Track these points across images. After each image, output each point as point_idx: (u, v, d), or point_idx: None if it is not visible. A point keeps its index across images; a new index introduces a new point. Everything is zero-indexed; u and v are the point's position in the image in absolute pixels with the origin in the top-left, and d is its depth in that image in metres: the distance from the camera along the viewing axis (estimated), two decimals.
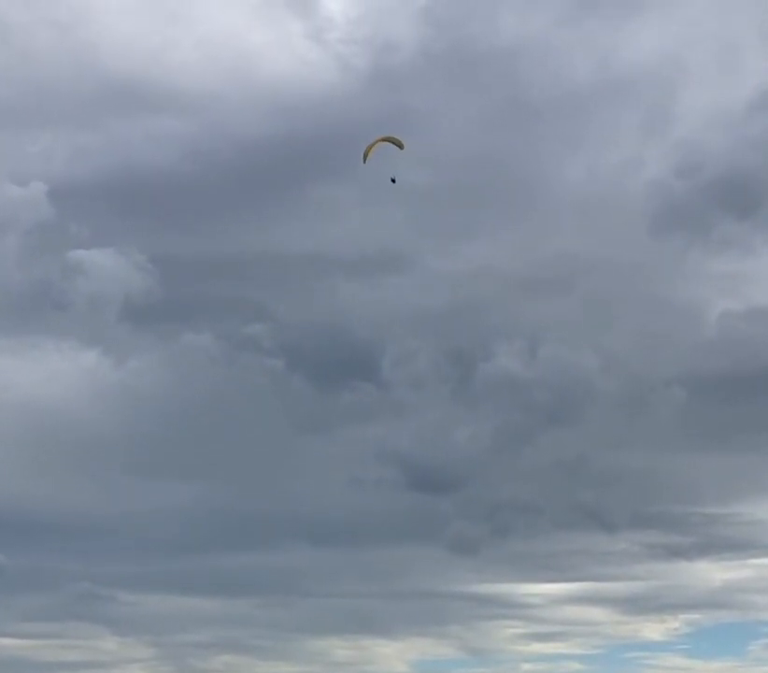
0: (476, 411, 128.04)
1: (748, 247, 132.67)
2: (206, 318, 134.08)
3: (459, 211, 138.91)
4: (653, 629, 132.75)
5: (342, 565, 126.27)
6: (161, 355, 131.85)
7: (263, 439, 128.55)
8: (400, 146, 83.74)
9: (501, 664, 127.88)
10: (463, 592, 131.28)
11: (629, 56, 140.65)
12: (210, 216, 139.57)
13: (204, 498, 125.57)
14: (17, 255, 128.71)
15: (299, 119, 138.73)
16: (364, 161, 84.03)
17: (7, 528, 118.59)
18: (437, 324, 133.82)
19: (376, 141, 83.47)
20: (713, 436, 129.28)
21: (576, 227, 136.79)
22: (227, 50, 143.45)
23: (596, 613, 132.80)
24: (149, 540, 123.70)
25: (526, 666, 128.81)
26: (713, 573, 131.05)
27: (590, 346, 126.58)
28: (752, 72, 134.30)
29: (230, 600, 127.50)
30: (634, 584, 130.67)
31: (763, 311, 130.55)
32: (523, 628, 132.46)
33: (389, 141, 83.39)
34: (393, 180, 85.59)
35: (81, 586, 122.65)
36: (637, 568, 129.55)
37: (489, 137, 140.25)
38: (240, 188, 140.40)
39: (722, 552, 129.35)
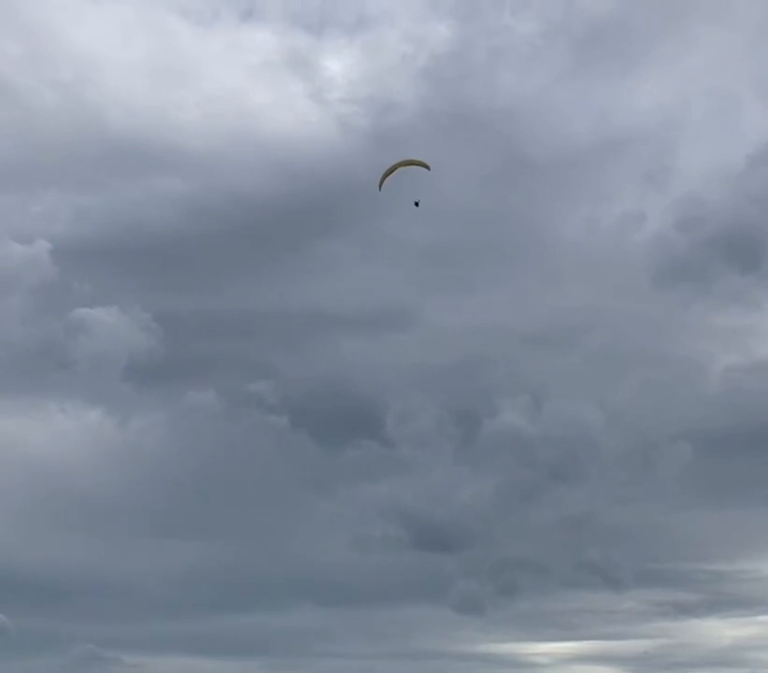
0: (481, 468, 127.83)
1: (751, 301, 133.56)
2: (209, 375, 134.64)
3: (460, 267, 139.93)
4: None
5: (348, 625, 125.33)
6: (164, 413, 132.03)
7: (268, 498, 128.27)
8: (426, 167, 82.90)
9: None
10: (470, 651, 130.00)
11: (627, 112, 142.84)
12: (213, 274, 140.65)
13: (208, 558, 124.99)
14: (21, 314, 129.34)
15: (301, 178, 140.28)
16: (380, 188, 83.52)
17: (11, 589, 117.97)
18: (441, 381, 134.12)
19: (393, 168, 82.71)
20: (719, 492, 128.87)
21: (578, 282, 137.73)
22: (229, 110, 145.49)
23: (605, 672, 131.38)
24: (154, 601, 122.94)
25: None
26: (721, 630, 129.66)
27: (594, 401, 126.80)
28: (751, 127, 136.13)
29: (235, 661, 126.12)
30: (643, 642, 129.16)
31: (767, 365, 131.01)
32: None
33: (411, 165, 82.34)
34: (417, 204, 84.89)
35: (85, 648, 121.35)
36: (645, 626, 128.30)
37: (489, 194, 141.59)
38: (242, 246, 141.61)
39: (730, 610, 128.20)
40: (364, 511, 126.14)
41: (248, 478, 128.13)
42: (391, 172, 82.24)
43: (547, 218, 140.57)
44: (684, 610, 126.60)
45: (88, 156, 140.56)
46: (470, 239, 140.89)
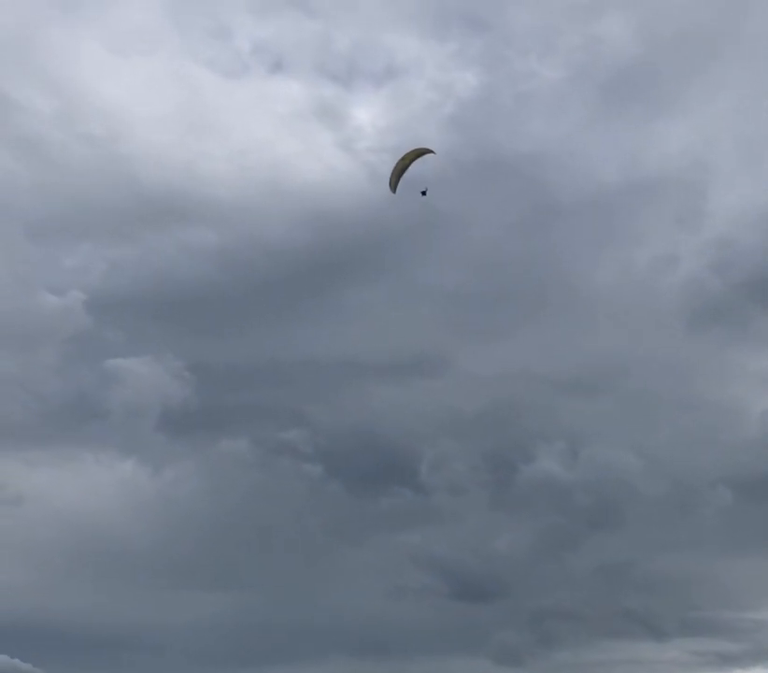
0: (517, 516, 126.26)
1: None
2: (242, 424, 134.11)
3: (491, 313, 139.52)
4: None
5: None
6: (198, 463, 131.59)
7: (301, 547, 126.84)
8: (431, 152, 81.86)
9: None
10: None
11: (655, 155, 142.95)
12: (244, 324, 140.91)
13: (241, 609, 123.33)
14: (55, 364, 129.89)
15: (329, 227, 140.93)
16: (394, 190, 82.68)
17: (44, 640, 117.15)
18: (474, 427, 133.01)
19: (402, 165, 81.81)
20: (761, 538, 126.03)
21: (611, 326, 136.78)
22: (259, 161, 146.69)
23: None
24: (188, 652, 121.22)
25: None
26: None
27: (630, 446, 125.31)
28: None
29: None
30: None
31: None
32: None
33: (417, 156, 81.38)
34: (424, 193, 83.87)
35: None
36: None
37: (519, 240, 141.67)
38: (273, 296, 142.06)
39: None
40: (399, 560, 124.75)
41: (282, 527, 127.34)
42: (402, 170, 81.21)
43: (578, 262, 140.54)
44: (728, 660, 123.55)
45: (120, 209, 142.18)
46: (500, 285, 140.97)
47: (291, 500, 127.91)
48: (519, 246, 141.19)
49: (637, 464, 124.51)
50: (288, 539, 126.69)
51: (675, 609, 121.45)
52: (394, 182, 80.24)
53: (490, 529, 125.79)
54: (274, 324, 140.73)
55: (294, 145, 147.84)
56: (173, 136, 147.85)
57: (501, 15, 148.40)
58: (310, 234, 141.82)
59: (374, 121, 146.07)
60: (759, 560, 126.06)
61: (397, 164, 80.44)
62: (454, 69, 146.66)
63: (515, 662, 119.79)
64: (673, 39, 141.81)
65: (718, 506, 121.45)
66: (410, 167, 79.94)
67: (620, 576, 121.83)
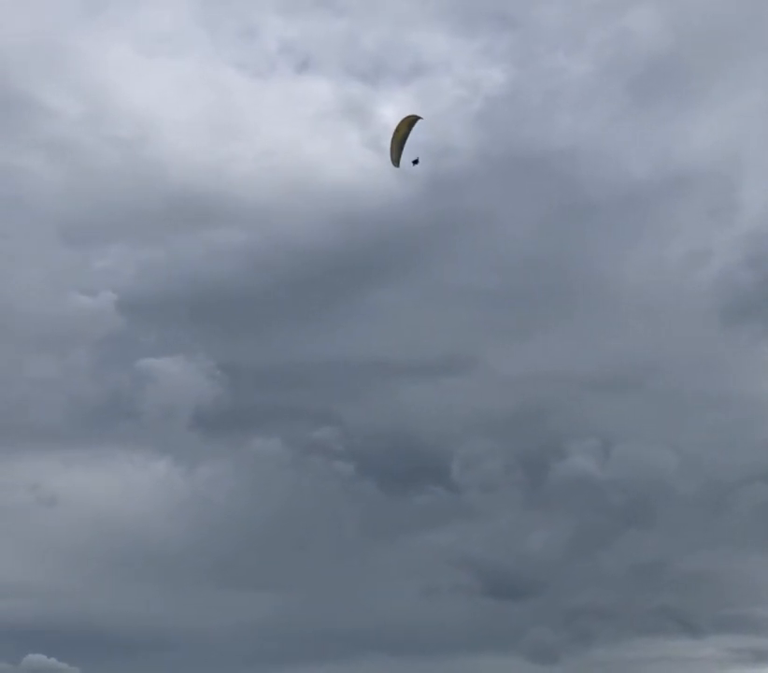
0: (550, 514, 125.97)
1: None
2: (274, 423, 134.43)
3: (521, 312, 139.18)
4: None
5: None
6: (231, 462, 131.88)
7: (335, 546, 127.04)
8: (418, 117, 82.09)
9: None
10: None
11: (687, 149, 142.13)
12: (275, 324, 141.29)
13: (275, 608, 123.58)
14: (88, 365, 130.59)
15: (358, 226, 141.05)
16: (397, 164, 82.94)
17: (83, 641, 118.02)
18: (506, 426, 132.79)
19: (394, 139, 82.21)
20: None
21: (642, 323, 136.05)
22: (287, 160, 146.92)
23: None
24: (223, 652, 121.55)
25: None
26: None
27: (664, 444, 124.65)
28: None
29: None
30: None
31: None
32: None
33: (408, 124, 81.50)
34: (416, 162, 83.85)
35: None
36: None
37: (549, 238, 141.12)
38: (302, 296, 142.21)
39: None
40: (433, 559, 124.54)
41: (315, 525, 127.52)
42: (401, 142, 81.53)
43: (609, 259, 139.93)
44: (763, 657, 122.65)
45: (149, 211, 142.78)
46: (530, 283, 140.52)
47: (325, 499, 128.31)
48: (548, 243, 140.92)
49: (670, 461, 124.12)
50: (322, 538, 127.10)
51: (709, 606, 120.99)
52: (397, 156, 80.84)
53: (523, 527, 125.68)
54: (304, 324, 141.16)
55: (322, 145, 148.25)
56: (201, 138, 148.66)
57: (528, 11, 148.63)
58: (339, 234, 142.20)
59: (401, 118, 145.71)
60: None
61: (393, 137, 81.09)
62: (482, 66, 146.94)
63: (549, 659, 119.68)
64: (702, 32, 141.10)
65: (752, 502, 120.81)
66: (408, 138, 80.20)
67: (655, 573, 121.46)
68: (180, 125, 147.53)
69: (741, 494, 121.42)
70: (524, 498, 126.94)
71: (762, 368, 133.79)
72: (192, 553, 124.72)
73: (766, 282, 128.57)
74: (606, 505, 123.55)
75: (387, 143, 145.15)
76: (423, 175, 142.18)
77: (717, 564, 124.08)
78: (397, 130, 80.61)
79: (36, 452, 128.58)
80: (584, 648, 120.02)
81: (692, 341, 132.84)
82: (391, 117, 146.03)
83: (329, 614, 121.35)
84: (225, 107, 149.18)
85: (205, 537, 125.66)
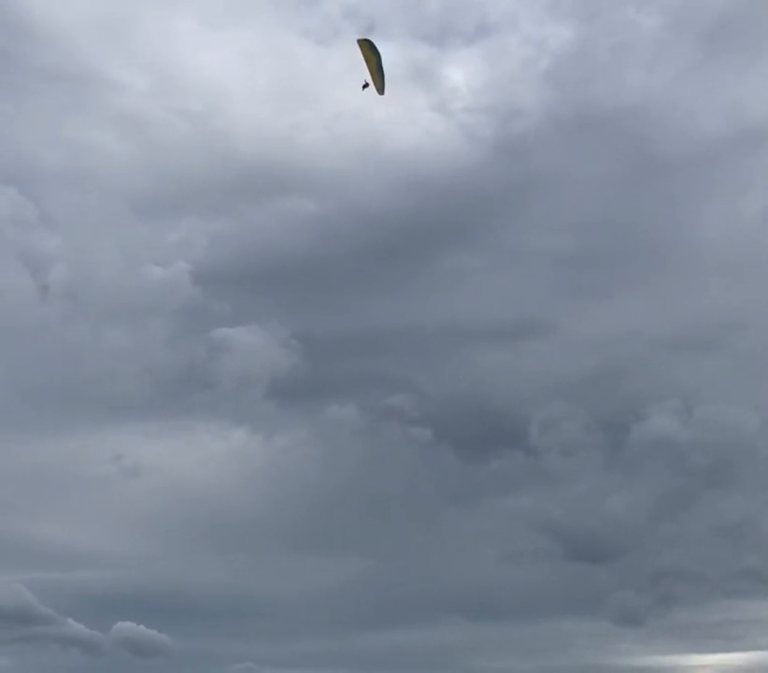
0: (631, 477, 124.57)
1: None
2: (349, 391, 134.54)
3: (596, 273, 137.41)
4: None
5: (500, 640, 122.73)
6: (307, 430, 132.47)
7: (412, 512, 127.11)
8: (366, 40, 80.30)
9: None
10: (629, 665, 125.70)
11: (759, 102, 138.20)
12: (347, 291, 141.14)
13: (355, 574, 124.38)
14: (164, 336, 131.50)
15: (428, 191, 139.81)
16: (382, 92, 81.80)
17: (170, 610, 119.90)
18: (583, 389, 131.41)
19: (372, 69, 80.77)
20: None
21: (721, 281, 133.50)
22: (354, 128, 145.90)
23: None
24: (304, 618, 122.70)
25: None
26: None
27: (747, 403, 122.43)
28: None
29: None
30: None
31: None
32: None
33: (368, 47, 79.92)
34: (365, 86, 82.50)
35: (244, 666, 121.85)
36: None
37: (621, 197, 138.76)
38: (375, 263, 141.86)
39: None
40: (512, 523, 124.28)
41: (393, 492, 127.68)
42: (378, 69, 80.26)
43: (685, 217, 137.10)
44: None
45: (220, 182, 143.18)
46: (605, 244, 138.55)
47: (402, 465, 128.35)
48: (622, 203, 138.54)
49: (752, 421, 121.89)
50: (400, 504, 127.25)
51: None
52: (380, 84, 79.79)
53: (604, 490, 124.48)
54: (377, 291, 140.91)
55: (389, 110, 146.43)
56: (269, 108, 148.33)
57: None
58: (409, 199, 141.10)
59: (468, 81, 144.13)
60: None
61: (368, 68, 79.87)
62: (548, 23, 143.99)
63: (634, 623, 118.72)
64: None
65: None
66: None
67: (738, 535, 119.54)
68: (248, 96, 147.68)
69: None
70: (604, 461, 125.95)
71: None
72: (272, 521, 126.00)
73: None
74: (688, 466, 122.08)
75: (454, 106, 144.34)
76: (492, 137, 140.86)
77: None
78: (368, 60, 79.57)
79: (117, 424, 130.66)
80: (668, 611, 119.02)
81: None
82: (458, 79, 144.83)
83: (408, 580, 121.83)
84: (291, 75, 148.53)
85: (283, 505, 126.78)
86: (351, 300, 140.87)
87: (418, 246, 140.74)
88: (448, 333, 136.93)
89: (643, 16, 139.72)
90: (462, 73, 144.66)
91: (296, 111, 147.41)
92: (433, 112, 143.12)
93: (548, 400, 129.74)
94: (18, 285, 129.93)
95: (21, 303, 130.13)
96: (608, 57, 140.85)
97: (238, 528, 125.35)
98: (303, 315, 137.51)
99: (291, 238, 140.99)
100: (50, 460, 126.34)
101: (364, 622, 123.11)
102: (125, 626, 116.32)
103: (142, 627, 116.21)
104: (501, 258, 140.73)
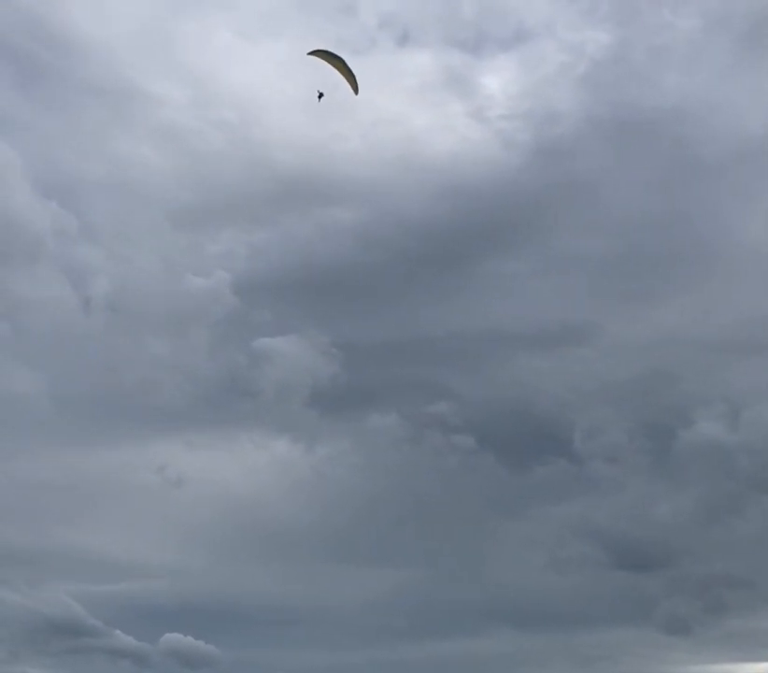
0: (679, 482, 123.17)
1: None
2: (390, 399, 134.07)
3: (638, 277, 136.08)
4: None
5: (550, 649, 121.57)
6: (349, 439, 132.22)
7: (457, 520, 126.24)
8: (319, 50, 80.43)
9: None
10: None
11: None
12: (387, 299, 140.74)
13: (401, 584, 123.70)
14: (205, 346, 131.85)
15: (467, 198, 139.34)
16: (357, 92, 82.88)
17: (217, 621, 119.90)
18: (629, 394, 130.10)
19: (345, 72, 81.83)
20: None
21: (764, 283, 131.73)
22: (391, 136, 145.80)
23: None
24: (352, 628, 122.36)
25: None
26: None
27: None
28: None
29: None
30: None
31: None
32: None
33: (327, 57, 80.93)
34: (320, 96, 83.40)
35: None
36: None
37: (662, 200, 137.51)
38: (414, 270, 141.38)
39: None
40: (558, 531, 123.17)
41: (437, 500, 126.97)
42: (349, 71, 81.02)
43: (727, 219, 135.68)
44: None
45: (259, 193, 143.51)
46: (646, 248, 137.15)
47: (445, 473, 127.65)
48: (661, 206, 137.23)
49: None
50: (444, 512, 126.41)
51: None
52: (355, 84, 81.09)
53: (650, 496, 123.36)
54: (417, 299, 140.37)
55: (426, 117, 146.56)
56: (305, 117, 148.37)
57: None
58: (448, 206, 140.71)
59: (505, 87, 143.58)
60: None
61: (341, 73, 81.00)
62: (585, 28, 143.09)
63: (683, 631, 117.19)
64: None
65: None
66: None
67: None
68: (284, 106, 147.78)
69: None
70: (651, 467, 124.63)
71: None
72: (315, 530, 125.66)
73: None
74: (737, 471, 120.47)
75: (491, 113, 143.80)
76: (530, 142, 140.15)
77: None
78: (336, 66, 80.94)
79: (161, 434, 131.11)
80: (718, 618, 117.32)
81: None
82: (494, 87, 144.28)
83: (453, 589, 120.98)
84: (327, 85, 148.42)
85: (326, 515, 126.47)
86: (392, 308, 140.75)
87: (457, 253, 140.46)
88: (490, 339, 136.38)
89: (679, 18, 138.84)
90: (498, 80, 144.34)
91: (333, 120, 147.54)
92: (469, 119, 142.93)
93: (593, 406, 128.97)
94: (60, 297, 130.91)
95: (64, 315, 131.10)
96: (646, 60, 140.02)
97: (282, 538, 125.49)
98: (343, 324, 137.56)
99: (331, 247, 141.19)
100: (95, 471, 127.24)
101: (410, 632, 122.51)
102: (173, 637, 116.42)
103: (189, 638, 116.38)
104: (542, 263, 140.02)
